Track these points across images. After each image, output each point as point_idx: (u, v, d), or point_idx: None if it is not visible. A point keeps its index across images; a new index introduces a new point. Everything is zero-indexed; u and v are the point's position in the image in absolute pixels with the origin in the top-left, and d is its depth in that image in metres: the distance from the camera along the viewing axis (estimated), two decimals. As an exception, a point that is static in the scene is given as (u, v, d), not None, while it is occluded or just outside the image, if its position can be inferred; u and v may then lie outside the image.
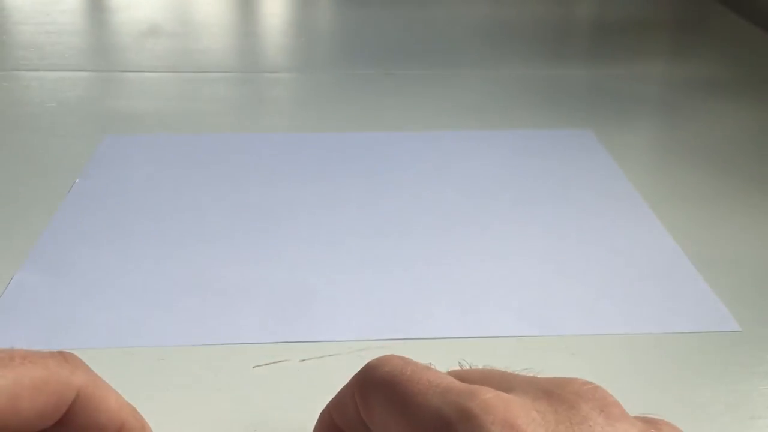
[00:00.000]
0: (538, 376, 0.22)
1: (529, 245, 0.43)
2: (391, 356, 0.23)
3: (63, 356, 0.22)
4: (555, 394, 0.20)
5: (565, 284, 0.39)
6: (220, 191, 0.47)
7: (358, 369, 0.35)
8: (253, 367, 0.33)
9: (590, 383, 0.21)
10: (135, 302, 0.37)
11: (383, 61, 0.71)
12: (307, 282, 0.39)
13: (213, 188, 0.48)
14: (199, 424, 0.30)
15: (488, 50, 0.76)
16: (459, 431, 0.19)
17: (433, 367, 0.22)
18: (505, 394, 0.20)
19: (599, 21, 0.90)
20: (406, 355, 0.34)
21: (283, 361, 0.34)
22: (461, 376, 0.23)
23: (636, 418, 0.20)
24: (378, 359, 0.24)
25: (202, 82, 0.66)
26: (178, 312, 0.37)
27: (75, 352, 0.33)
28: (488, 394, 0.20)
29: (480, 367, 0.23)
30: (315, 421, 0.30)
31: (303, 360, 0.34)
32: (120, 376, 0.32)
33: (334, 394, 0.32)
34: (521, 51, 0.76)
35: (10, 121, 0.58)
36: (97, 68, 0.69)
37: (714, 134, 0.57)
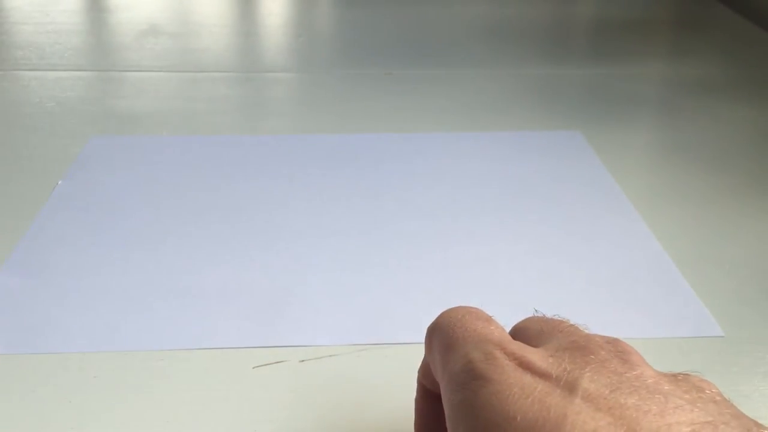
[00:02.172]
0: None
1: (514, 249, 0.42)
2: (459, 306, 0.26)
3: None
4: (578, 346, 0.22)
5: (548, 289, 0.39)
6: (206, 193, 0.47)
7: (357, 369, 0.35)
8: (253, 368, 0.33)
9: (615, 338, 0.23)
10: (116, 306, 0.37)
11: (383, 61, 0.71)
12: (306, 284, 0.39)
13: (199, 190, 0.48)
14: (199, 425, 0.30)
15: (488, 50, 0.76)
16: (477, 366, 0.22)
17: (493, 319, 0.25)
18: (531, 348, 0.22)
19: (598, 21, 0.90)
20: (405, 356, 0.34)
21: (282, 361, 0.34)
22: (520, 326, 0.26)
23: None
24: (448, 309, 0.26)
25: (202, 82, 0.66)
26: (162, 316, 0.36)
27: (54, 356, 0.33)
28: (514, 345, 0.22)
29: (549, 315, 0.26)
30: (315, 421, 0.31)
31: (302, 360, 0.34)
32: (119, 378, 0.32)
33: (333, 394, 0.32)
34: (521, 51, 0.76)
35: (9, 121, 0.57)
36: (97, 68, 0.69)
37: (708, 134, 0.57)
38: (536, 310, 0.27)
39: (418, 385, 0.27)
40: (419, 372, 0.27)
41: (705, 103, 0.63)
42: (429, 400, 0.27)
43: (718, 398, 0.20)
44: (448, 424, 0.22)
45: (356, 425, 0.30)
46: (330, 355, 0.34)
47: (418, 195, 0.48)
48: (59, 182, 0.48)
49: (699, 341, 0.35)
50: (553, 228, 0.44)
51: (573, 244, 0.43)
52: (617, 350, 0.22)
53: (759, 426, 0.19)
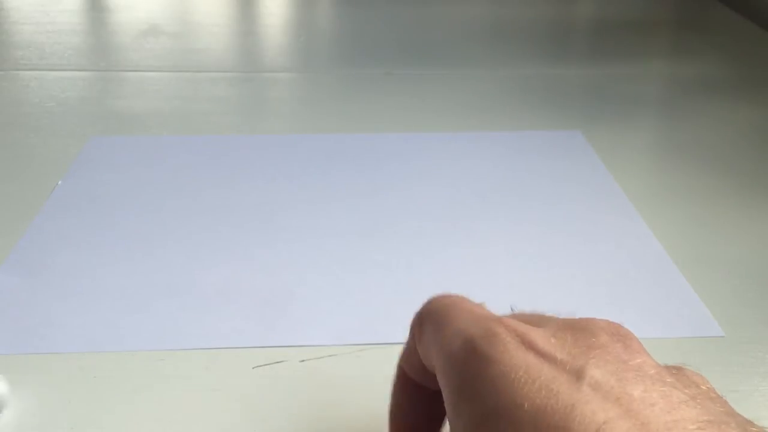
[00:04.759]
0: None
1: (514, 249, 0.42)
2: (449, 293, 0.25)
3: None
4: (579, 327, 0.21)
5: (548, 288, 0.39)
6: (206, 193, 0.47)
7: (357, 369, 0.34)
8: (253, 368, 0.33)
9: (615, 322, 0.22)
10: (116, 306, 0.37)
11: (383, 61, 0.71)
12: (306, 284, 0.39)
13: (199, 190, 0.48)
14: (199, 425, 0.30)
15: (488, 50, 0.76)
16: (479, 344, 0.21)
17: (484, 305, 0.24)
18: (531, 327, 0.21)
19: (599, 21, 0.90)
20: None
21: (282, 361, 0.34)
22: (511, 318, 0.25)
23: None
24: (436, 295, 0.25)
25: (202, 82, 0.65)
26: (162, 316, 0.36)
27: (52, 356, 0.33)
28: (514, 322, 0.21)
29: (528, 311, 0.25)
30: (315, 421, 0.30)
31: (303, 360, 0.34)
32: (119, 378, 0.32)
33: (333, 394, 0.32)
34: (521, 51, 0.76)
35: (9, 121, 0.57)
36: (97, 68, 0.69)
37: (709, 134, 0.57)
38: (512, 308, 0.26)
39: (398, 373, 0.27)
40: (401, 359, 0.27)
41: (705, 103, 0.63)
42: (408, 388, 0.26)
43: (713, 395, 0.20)
44: (448, 408, 0.21)
45: (356, 425, 0.30)
46: (330, 355, 0.34)
47: (418, 195, 0.47)
48: (59, 182, 0.48)
49: (699, 341, 0.35)
50: (553, 228, 0.44)
51: (573, 244, 0.43)
52: (619, 335, 0.21)
53: (752, 424, 0.19)
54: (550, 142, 0.55)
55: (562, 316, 0.24)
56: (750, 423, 0.19)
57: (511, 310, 0.26)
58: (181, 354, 0.34)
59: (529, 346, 0.20)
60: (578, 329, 0.21)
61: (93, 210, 0.45)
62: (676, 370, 0.21)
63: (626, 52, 0.76)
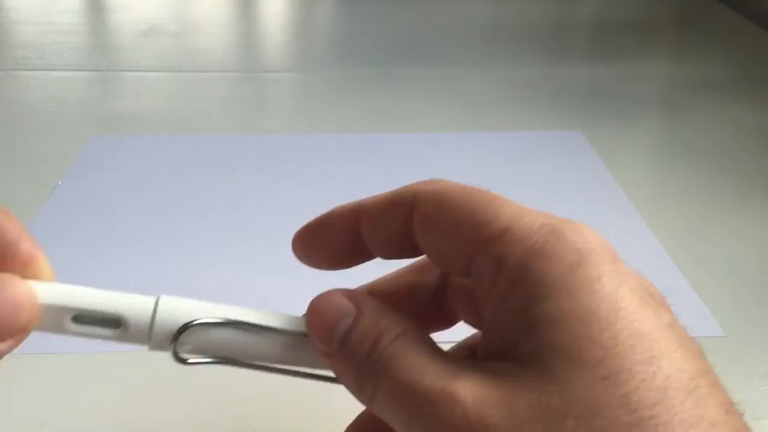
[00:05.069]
0: None
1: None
2: (441, 179, 0.23)
3: None
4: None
5: None
6: (206, 193, 0.47)
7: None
8: (253, 368, 0.33)
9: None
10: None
11: (383, 61, 0.71)
12: (307, 284, 0.39)
13: (199, 190, 0.48)
14: (199, 425, 0.30)
15: (488, 50, 0.76)
16: (567, 235, 0.20)
17: None
18: None
19: (599, 21, 0.90)
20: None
21: (282, 361, 0.33)
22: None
23: None
24: (425, 181, 0.24)
25: (202, 82, 0.65)
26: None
27: (54, 356, 0.33)
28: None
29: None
30: (316, 422, 0.30)
31: (302, 360, 0.33)
32: (118, 377, 0.32)
33: (333, 394, 0.32)
34: (521, 51, 0.76)
35: (9, 121, 0.57)
36: (97, 68, 0.69)
37: (709, 134, 0.57)
38: None
39: (345, 216, 0.25)
40: (365, 213, 0.24)
41: (705, 103, 0.63)
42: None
43: None
44: (511, 303, 0.19)
45: (356, 425, 0.30)
46: (330, 355, 0.34)
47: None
48: (59, 182, 0.48)
49: (699, 341, 0.35)
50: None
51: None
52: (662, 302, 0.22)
53: None
54: (550, 142, 0.55)
55: None
56: None
57: None
58: (180, 354, 0.34)
59: (611, 257, 0.20)
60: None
61: (93, 210, 0.45)
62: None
63: (626, 52, 0.76)
